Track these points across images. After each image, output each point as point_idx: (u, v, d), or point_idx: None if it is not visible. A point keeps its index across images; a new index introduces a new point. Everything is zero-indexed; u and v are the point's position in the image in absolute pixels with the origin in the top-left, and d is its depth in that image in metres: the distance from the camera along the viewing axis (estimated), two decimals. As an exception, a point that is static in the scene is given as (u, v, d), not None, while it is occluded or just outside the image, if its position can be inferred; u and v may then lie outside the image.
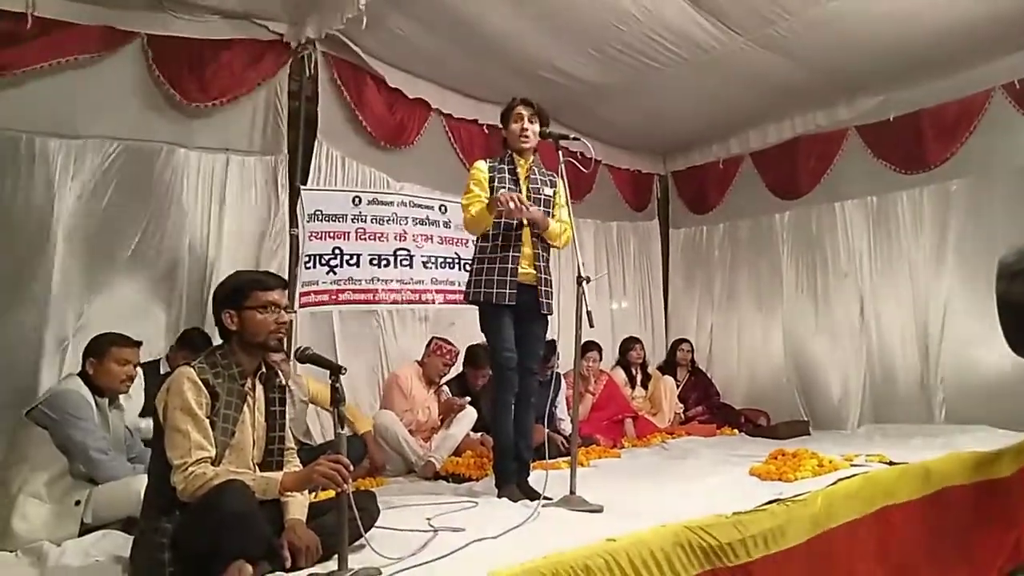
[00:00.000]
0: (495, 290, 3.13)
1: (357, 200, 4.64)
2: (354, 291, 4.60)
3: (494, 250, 3.18)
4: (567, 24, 4.47)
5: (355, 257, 4.60)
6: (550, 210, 3.29)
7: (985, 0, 4.18)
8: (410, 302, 4.82)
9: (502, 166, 3.27)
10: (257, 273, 2.40)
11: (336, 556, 2.03)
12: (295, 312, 4.23)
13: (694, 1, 4.23)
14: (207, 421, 2.08)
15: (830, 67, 5.01)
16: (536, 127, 3.25)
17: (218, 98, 4.25)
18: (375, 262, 4.67)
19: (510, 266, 3.14)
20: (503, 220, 3.13)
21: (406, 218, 4.83)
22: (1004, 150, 4.94)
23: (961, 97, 5.15)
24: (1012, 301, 1.33)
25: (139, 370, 3.07)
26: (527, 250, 3.20)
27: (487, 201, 3.13)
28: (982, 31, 4.47)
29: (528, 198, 3.22)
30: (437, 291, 4.89)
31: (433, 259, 4.91)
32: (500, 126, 3.40)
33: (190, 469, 2.00)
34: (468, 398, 4.45)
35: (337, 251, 4.55)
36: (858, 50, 4.72)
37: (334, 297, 4.54)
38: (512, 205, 2.97)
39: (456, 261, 4.92)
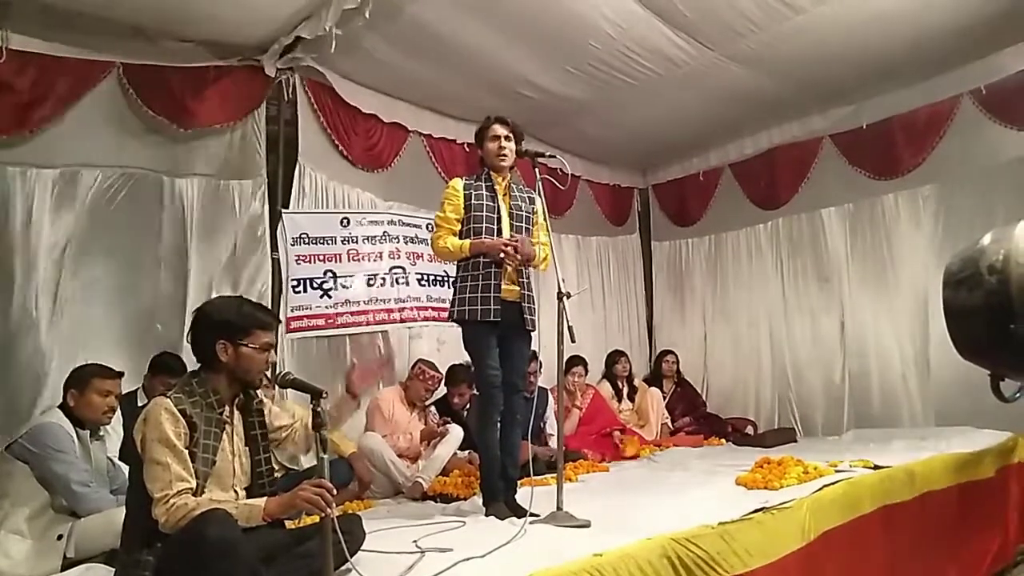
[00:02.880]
0: (479, 307, 3.13)
1: (346, 221, 4.59)
2: (352, 313, 4.53)
3: (476, 267, 3.17)
4: (542, 42, 4.51)
5: (349, 279, 4.55)
6: (531, 227, 3.32)
7: (952, 9, 4.27)
8: (409, 320, 4.77)
9: (480, 183, 3.28)
10: (256, 309, 2.32)
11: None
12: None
13: (665, 18, 4.29)
14: (186, 452, 2.05)
15: (802, 78, 5.08)
16: (513, 145, 3.27)
17: (197, 125, 4.26)
18: (371, 282, 4.62)
19: (493, 282, 3.14)
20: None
21: (397, 237, 4.79)
22: (973, 154, 5.03)
23: (931, 103, 5.23)
24: (957, 308, 1.36)
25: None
26: (509, 266, 3.19)
27: (460, 235, 3.20)
28: (950, 39, 4.56)
29: (509, 216, 3.26)
30: (433, 308, 4.87)
31: (426, 276, 4.89)
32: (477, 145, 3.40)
33: (172, 501, 1.98)
34: (448, 419, 4.43)
35: (330, 274, 4.47)
36: (829, 60, 4.79)
37: (331, 321, 4.46)
38: (510, 251, 3.06)
39: (446, 279, 4.90)
